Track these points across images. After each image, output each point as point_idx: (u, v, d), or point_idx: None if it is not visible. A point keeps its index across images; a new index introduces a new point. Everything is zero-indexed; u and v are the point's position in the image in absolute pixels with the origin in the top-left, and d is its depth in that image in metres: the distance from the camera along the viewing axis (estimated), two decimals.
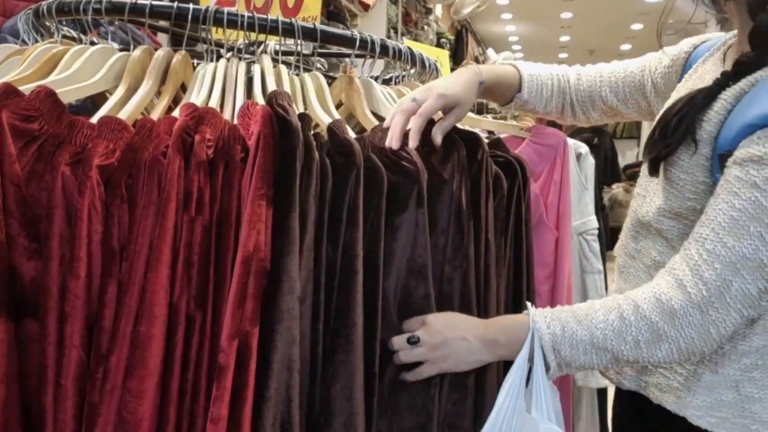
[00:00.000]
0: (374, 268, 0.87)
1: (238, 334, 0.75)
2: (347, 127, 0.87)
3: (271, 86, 0.93)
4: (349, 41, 1.03)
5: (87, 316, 0.72)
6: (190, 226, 0.74)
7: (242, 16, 0.95)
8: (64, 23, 1.15)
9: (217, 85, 0.92)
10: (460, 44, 7.41)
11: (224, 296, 0.76)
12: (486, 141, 1.03)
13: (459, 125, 1.00)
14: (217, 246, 0.77)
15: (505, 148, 1.07)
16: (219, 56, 1.02)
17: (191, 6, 0.94)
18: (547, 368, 0.91)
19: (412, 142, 0.89)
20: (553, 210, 1.37)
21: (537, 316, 0.91)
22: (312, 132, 0.84)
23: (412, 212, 0.88)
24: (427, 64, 1.23)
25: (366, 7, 4.20)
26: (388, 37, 4.79)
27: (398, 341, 0.91)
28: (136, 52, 0.96)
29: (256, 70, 0.97)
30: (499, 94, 1.18)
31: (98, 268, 0.72)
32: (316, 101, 0.98)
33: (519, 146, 1.33)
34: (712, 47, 1.05)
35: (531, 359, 0.90)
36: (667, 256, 0.95)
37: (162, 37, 2.07)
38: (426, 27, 6.03)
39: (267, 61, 0.98)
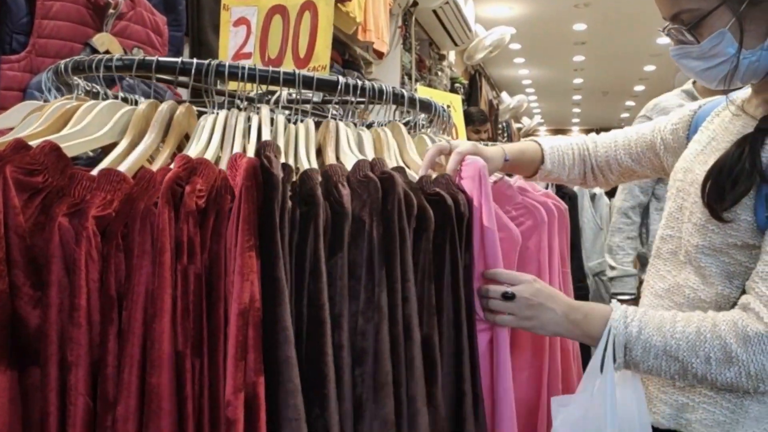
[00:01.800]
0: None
1: (244, 386, 0.75)
2: (318, 175, 0.88)
3: (266, 136, 0.95)
4: (333, 86, 1.07)
5: (91, 363, 0.73)
6: (184, 275, 0.75)
7: (243, 68, 0.98)
8: (89, 79, 1.19)
9: (216, 136, 0.95)
10: (474, 88, 7.49)
11: (218, 345, 0.77)
12: (427, 177, 1.00)
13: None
14: (208, 295, 0.78)
15: (449, 184, 1.00)
16: (234, 106, 1.06)
17: (195, 61, 0.97)
18: (614, 360, 0.97)
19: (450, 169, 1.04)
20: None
21: (618, 314, 0.98)
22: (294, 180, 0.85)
23: (336, 256, 0.87)
24: (433, 108, 1.26)
25: (380, 55, 4.27)
26: (402, 84, 4.85)
27: (494, 290, 0.99)
28: (142, 106, 0.99)
29: (254, 120, 0.99)
30: (524, 168, 1.31)
31: (97, 316, 0.73)
32: (303, 149, 1.00)
33: None
34: (717, 106, 1.13)
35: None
36: (702, 292, 1.01)
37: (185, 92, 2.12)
38: (440, 72, 6.10)
39: (265, 111, 1.01)
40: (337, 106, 1.43)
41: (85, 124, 0.96)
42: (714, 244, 0.99)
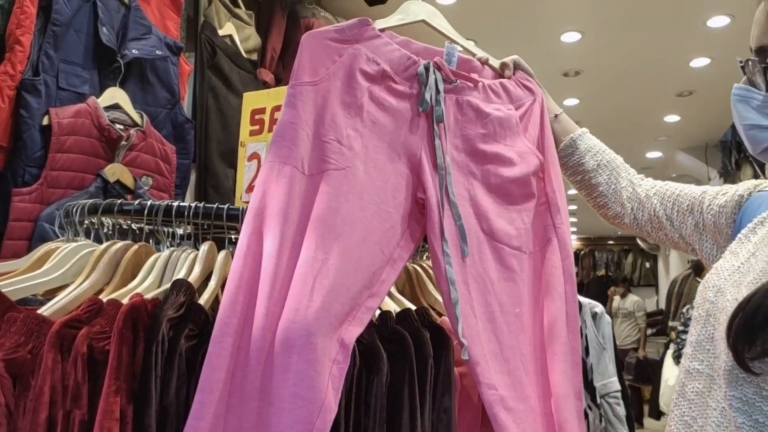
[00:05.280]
0: None
1: None
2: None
3: (195, 271, 0.99)
4: None
5: None
6: (66, 420, 0.75)
7: (189, 207, 1.05)
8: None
9: (154, 273, 0.99)
10: None
11: None
12: (388, 314, 0.97)
13: None
14: None
15: (411, 321, 0.96)
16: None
17: (149, 203, 1.06)
18: None
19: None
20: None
21: None
22: (202, 320, 0.87)
23: None
24: None
25: None
26: None
27: None
28: (100, 248, 1.04)
29: (190, 257, 1.03)
30: (557, 131, 1.21)
31: None
32: None
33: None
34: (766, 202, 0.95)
35: None
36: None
37: None
38: None
39: (205, 246, 1.04)
40: None
41: (48, 267, 1.01)
42: (746, 395, 0.77)
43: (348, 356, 0.84)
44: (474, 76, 1.13)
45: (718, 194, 1.06)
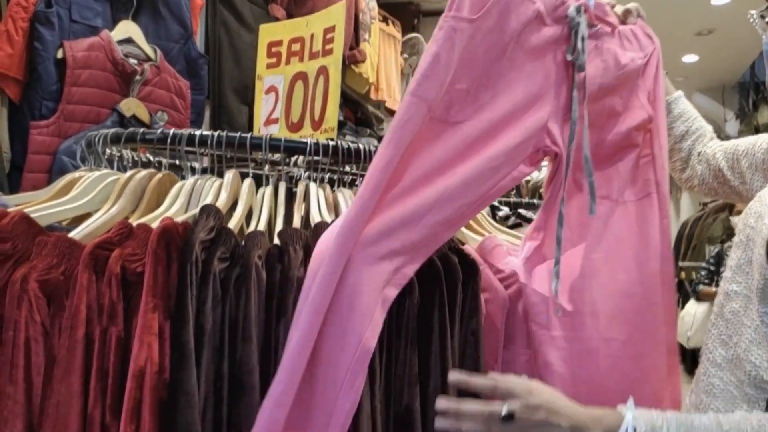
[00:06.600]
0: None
1: None
2: (264, 239, 0.90)
3: (222, 198, 0.99)
4: (302, 149, 1.10)
5: (26, 420, 0.75)
6: (103, 337, 0.77)
7: (212, 135, 1.05)
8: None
9: (180, 200, 1.00)
10: None
11: None
12: None
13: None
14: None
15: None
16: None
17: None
18: None
19: None
20: None
21: (643, 424, 0.77)
22: (233, 244, 0.87)
23: (279, 323, 0.86)
24: None
25: (392, 113, 4.35)
26: None
27: (479, 410, 0.79)
28: (125, 176, 1.04)
29: (215, 184, 1.03)
30: None
31: (39, 374, 0.76)
32: (266, 212, 1.03)
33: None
34: None
35: None
36: (766, 372, 0.83)
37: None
38: None
39: (230, 174, 1.04)
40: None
41: (74, 194, 1.02)
42: None
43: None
44: (610, 20, 1.06)
45: None
